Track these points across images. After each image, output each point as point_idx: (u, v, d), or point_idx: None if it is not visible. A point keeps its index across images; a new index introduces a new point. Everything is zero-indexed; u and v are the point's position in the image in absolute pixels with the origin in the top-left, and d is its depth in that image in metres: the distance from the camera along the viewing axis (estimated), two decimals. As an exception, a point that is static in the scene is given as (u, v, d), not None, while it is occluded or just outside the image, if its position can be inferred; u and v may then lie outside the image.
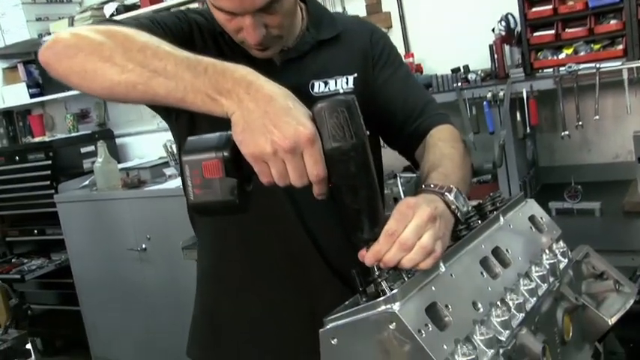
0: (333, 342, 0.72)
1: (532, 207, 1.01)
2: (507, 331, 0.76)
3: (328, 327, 0.72)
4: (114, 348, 3.46)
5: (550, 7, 2.27)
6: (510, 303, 0.80)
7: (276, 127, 0.70)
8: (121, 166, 3.51)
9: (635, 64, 2.08)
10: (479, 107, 2.33)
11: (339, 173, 0.72)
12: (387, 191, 2.56)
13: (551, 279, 0.90)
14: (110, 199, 3.28)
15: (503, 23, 2.37)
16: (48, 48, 0.85)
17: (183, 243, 2.55)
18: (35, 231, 3.77)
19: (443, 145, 1.04)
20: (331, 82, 1.09)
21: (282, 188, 0.74)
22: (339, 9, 2.92)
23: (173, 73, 0.75)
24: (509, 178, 2.29)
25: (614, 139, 2.46)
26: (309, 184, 0.72)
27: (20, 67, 4.00)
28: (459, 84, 2.40)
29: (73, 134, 3.91)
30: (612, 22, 2.20)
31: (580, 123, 2.19)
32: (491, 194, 0.97)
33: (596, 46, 2.24)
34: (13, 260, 3.85)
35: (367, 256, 0.75)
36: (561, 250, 0.97)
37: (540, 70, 2.31)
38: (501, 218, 0.93)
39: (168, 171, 3.26)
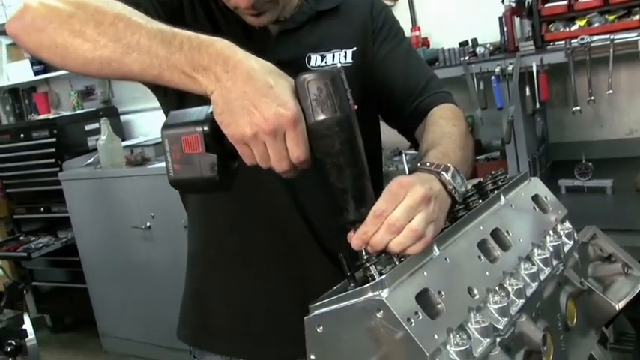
0: (318, 330, 0.68)
1: (536, 186, 0.96)
2: (505, 319, 0.71)
3: (313, 314, 0.68)
4: (120, 324, 3.48)
5: (562, -24, 2.18)
6: (509, 288, 0.75)
7: (257, 108, 0.66)
8: (125, 143, 3.48)
9: (651, 36, 1.99)
10: (487, 82, 2.26)
11: (322, 149, 0.68)
12: (392, 169, 2.51)
13: (555, 262, 0.85)
14: (114, 177, 3.26)
15: (514, -6, 2.30)
16: (16, 19, 0.79)
17: (186, 222, 2.52)
18: (42, 209, 3.77)
19: (444, 124, 0.99)
20: (329, 56, 1.04)
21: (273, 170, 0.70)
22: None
23: (147, 48, 0.71)
24: (517, 155, 2.23)
25: (627, 114, 2.39)
26: (292, 166, 0.68)
27: (24, 43, 3.97)
28: (467, 58, 2.34)
29: (78, 111, 3.89)
30: (628, -9, 2.11)
31: (592, 98, 2.12)
32: (492, 172, 0.92)
33: (611, 17, 2.14)
34: (21, 238, 3.87)
35: (354, 238, 0.71)
36: (566, 232, 0.92)
37: (552, 43, 2.23)
38: (502, 198, 0.87)
39: (172, 149, 3.23)
